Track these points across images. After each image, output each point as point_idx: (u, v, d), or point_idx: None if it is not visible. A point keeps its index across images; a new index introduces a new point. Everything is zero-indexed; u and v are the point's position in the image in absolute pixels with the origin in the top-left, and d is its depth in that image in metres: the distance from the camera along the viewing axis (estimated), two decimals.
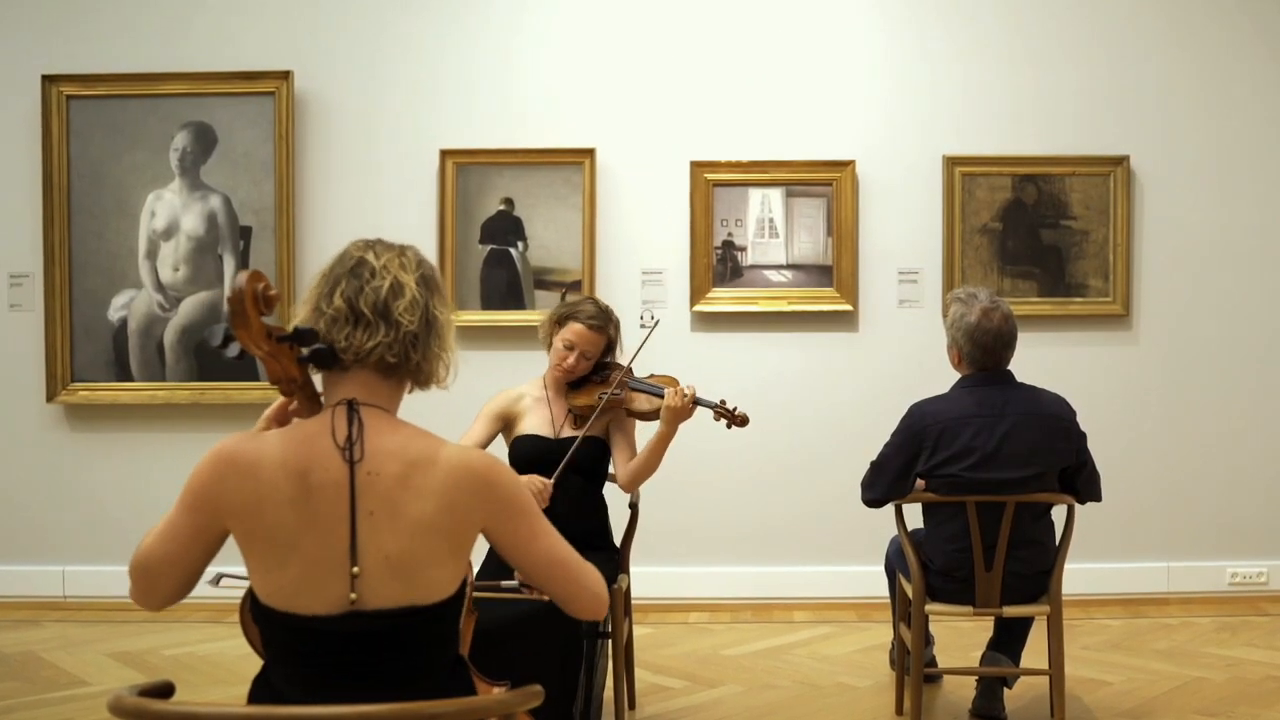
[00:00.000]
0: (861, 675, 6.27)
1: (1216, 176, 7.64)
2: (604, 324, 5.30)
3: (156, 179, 7.63)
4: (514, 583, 3.37)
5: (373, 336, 2.77)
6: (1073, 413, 5.28)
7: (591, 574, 2.93)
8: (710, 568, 7.67)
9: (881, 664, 6.41)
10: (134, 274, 7.64)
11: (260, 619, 2.78)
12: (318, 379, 2.88)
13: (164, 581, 2.79)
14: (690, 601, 7.55)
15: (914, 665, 5.23)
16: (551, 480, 5.05)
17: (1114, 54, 7.61)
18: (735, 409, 5.23)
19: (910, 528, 5.38)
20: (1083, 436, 5.27)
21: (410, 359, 2.82)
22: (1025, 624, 5.51)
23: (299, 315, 2.85)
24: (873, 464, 5.34)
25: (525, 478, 4.96)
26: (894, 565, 5.81)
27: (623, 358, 5.46)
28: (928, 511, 5.38)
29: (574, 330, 5.25)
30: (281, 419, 2.93)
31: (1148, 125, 7.60)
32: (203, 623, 7.06)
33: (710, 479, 7.59)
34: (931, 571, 5.24)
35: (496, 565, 4.90)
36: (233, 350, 2.71)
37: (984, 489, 5.06)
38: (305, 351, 2.77)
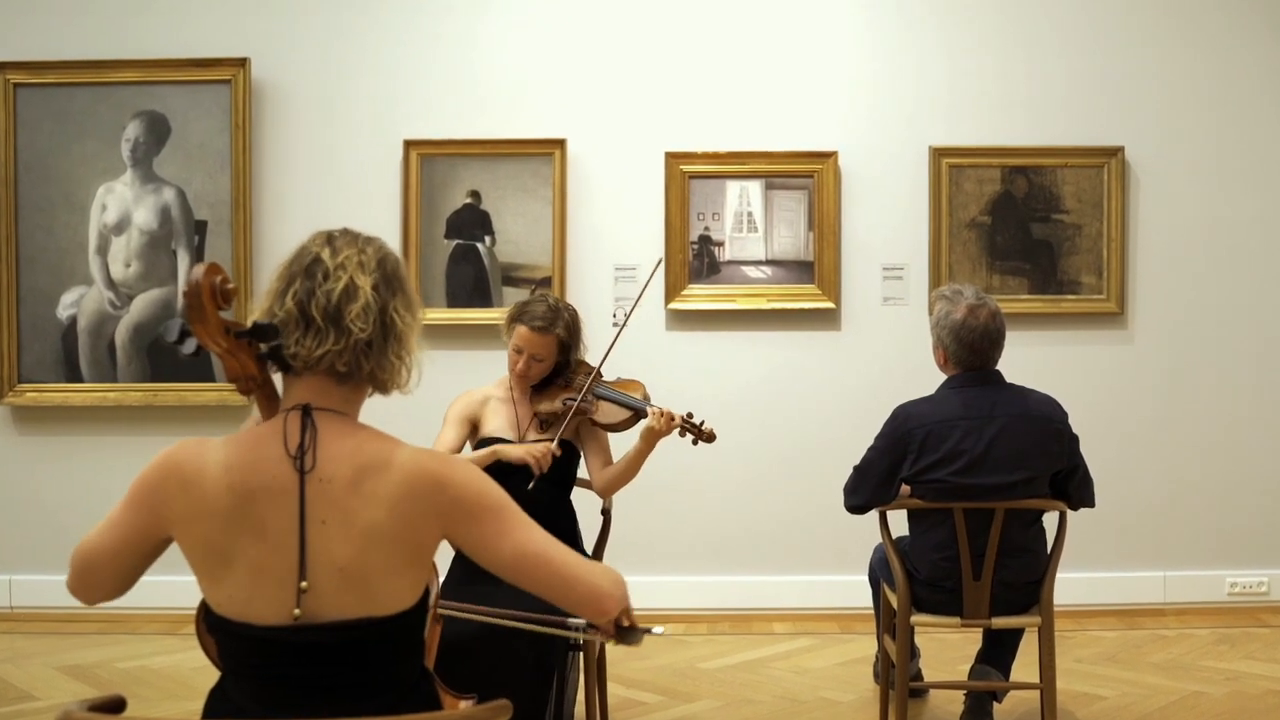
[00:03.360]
0: (844, 689, 6.16)
1: (1216, 168, 7.49)
2: (549, 325, 5.13)
3: (107, 171, 7.45)
4: (579, 622, 3.28)
5: (321, 344, 2.69)
6: (1064, 414, 5.17)
7: (584, 565, 2.80)
8: (686, 577, 7.52)
9: (865, 678, 6.30)
10: (84, 270, 7.47)
11: (215, 629, 2.72)
12: (279, 377, 2.83)
13: (103, 575, 2.78)
14: (665, 612, 7.28)
15: (899, 679, 5.13)
16: (554, 444, 5.00)
17: (1108, 39, 7.47)
18: (703, 423, 5.09)
19: (895, 535, 5.28)
20: (1075, 439, 5.17)
21: (362, 368, 2.73)
22: (1015, 636, 5.41)
23: (257, 312, 2.77)
24: (856, 469, 5.24)
25: (524, 446, 4.96)
26: (878, 575, 5.68)
27: (589, 355, 5.37)
28: (913, 518, 5.26)
29: (519, 334, 5.14)
30: None
31: (1144, 114, 7.46)
32: (156, 635, 6.96)
33: (687, 484, 7.41)
34: (917, 581, 5.14)
35: (459, 575, 4.81)
36: (189, 347, 2.67)
37: (972, 495, 4.95)
38: (265, 348, 2.71)
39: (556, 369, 5.23)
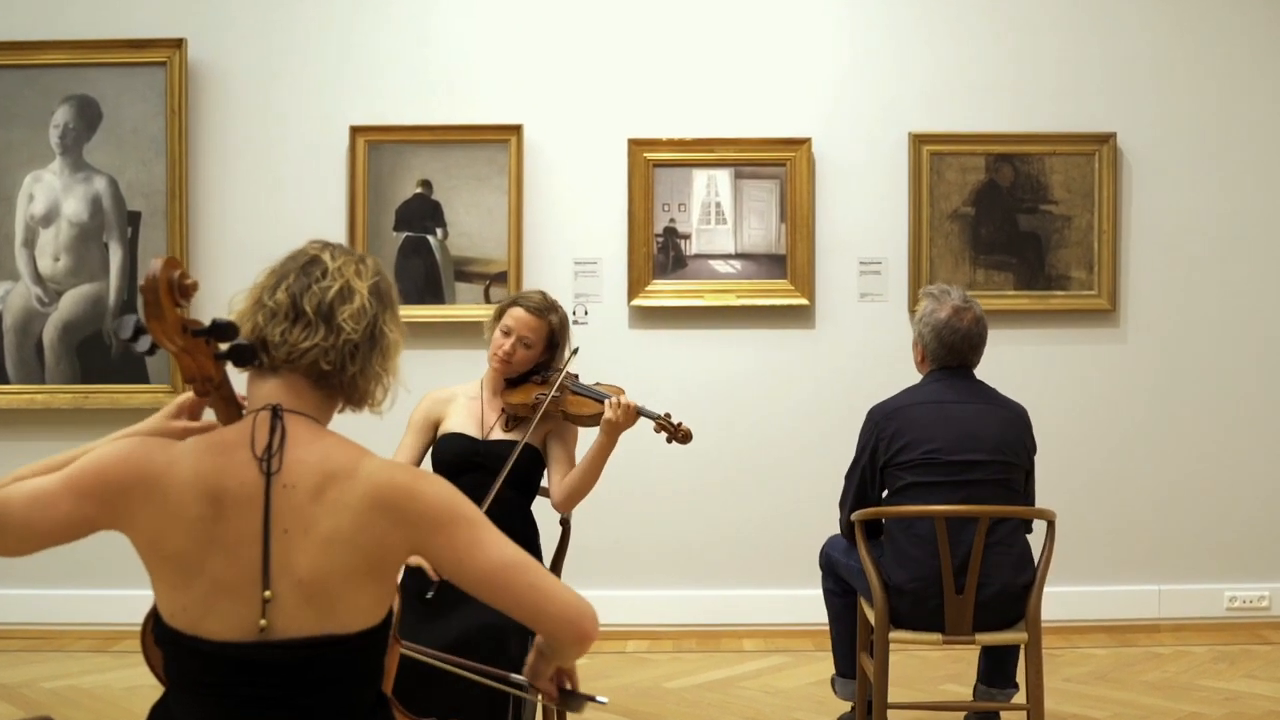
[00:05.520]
0: (818, 710, 6.01)
1: (1214, 156, 7.34)
2: (545, 310, 5.15)
3: (34, 158, 7.25)
4: (521, 679, 3.10)
5: (310, 337, 2.69)
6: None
7: (561, 584, 2.76)
8: (650, 591, 7.34)
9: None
10: (10, 264, 7.27)
11: (164, 641, 2.65)
12: (239, 383, 2.79)
13: (12, 540, 2.63)
14: (628, 629, 7.20)
15: (876, 699, 5.04)
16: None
17: (1100, 18, 7.31)
18: (680, 424, 5.10)
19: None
20: (1035, 448, 5.28)
21: (346, 370, 2.73)
22: (1012, 648, 5.42)
23: (238, 308, 2.78)
24: (845, 478, 5.33)
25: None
26: (834, 564, 5.59)
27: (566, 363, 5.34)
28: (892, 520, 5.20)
29: (513, 315, 5.12)
30: (193, 413, 2.83)
31: (1137, 99, 7.31)
32: (85, 653, 6.77)
33: (650, 492, 7.28)
34: (894, 591, 5.01)
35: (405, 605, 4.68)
36: (143, 344, 2.65)
37: (952, 471, 4.99)
38: (223, 348, 2.68)
39: (535, 367, 5.19)
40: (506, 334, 5.08)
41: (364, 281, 2.75)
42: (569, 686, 2.97)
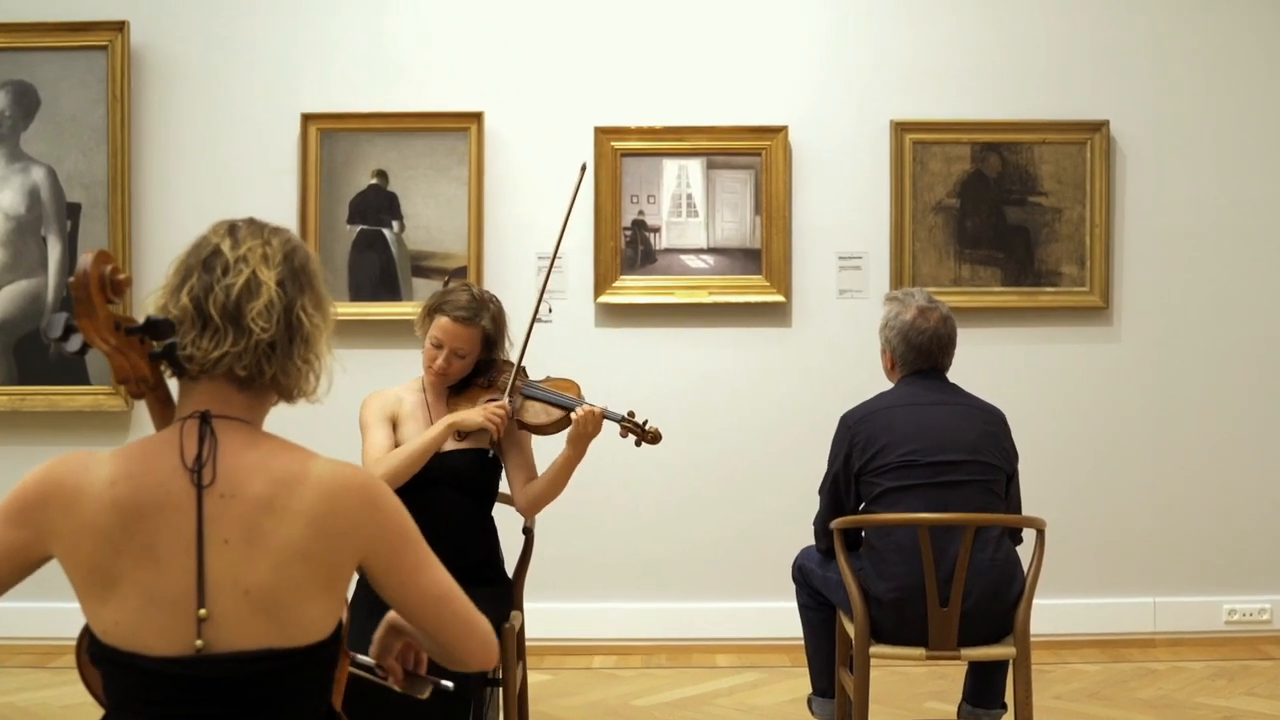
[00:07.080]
0: None
1: (1211, 145, 7.16)
2: (473, 316, 4.95)
3: None
4: (367, 660, 3.00)
5: (219, 345, 2.61)
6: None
7: (480, 615, 2.77)
8: (618, 603, 7.18)
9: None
10: None
11: (100, 660, 2.58)
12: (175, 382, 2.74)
13: None
14: (594, 643, 7.06)
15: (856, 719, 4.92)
16: (506, 401, 4.93)
17: (1093, 1, 7.14)
18: (646, 423, 4.96)
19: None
20: (1017, 454, 5.24)
21: (264, 371, 2.64)
22: (1000, 665, 5.32)
23: (150, 308, 2.71)
24: (819, 493, 5.28)
25: (482, 409, 4.90)
26: (808, 576, 5.49)
27: (513, 353, 5.16)
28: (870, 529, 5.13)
29: (439, 326, 4.93)
30: None
31: (1131, 85, 7.14)
32: (22, 668, 6.69)
33: (617, 499, 7.11)
34: (871, 600, 4.92)
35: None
36: (74, 344, 2.61)
37: (937, 473, 4.94)
38: (158, 346, 2.61)
39: (477, 368, 5.05)
40: (438, 346, 4.93)
41: (271, 269, 2.66)
42: (415, 669, 2.96)
